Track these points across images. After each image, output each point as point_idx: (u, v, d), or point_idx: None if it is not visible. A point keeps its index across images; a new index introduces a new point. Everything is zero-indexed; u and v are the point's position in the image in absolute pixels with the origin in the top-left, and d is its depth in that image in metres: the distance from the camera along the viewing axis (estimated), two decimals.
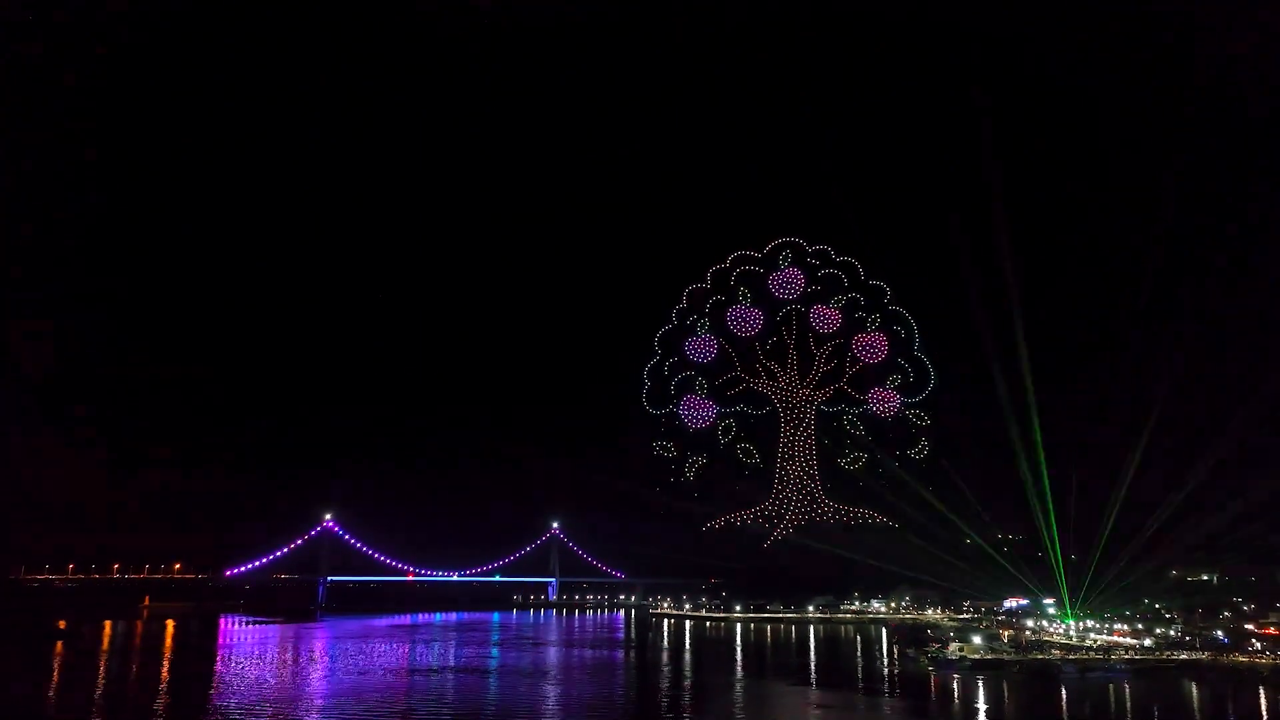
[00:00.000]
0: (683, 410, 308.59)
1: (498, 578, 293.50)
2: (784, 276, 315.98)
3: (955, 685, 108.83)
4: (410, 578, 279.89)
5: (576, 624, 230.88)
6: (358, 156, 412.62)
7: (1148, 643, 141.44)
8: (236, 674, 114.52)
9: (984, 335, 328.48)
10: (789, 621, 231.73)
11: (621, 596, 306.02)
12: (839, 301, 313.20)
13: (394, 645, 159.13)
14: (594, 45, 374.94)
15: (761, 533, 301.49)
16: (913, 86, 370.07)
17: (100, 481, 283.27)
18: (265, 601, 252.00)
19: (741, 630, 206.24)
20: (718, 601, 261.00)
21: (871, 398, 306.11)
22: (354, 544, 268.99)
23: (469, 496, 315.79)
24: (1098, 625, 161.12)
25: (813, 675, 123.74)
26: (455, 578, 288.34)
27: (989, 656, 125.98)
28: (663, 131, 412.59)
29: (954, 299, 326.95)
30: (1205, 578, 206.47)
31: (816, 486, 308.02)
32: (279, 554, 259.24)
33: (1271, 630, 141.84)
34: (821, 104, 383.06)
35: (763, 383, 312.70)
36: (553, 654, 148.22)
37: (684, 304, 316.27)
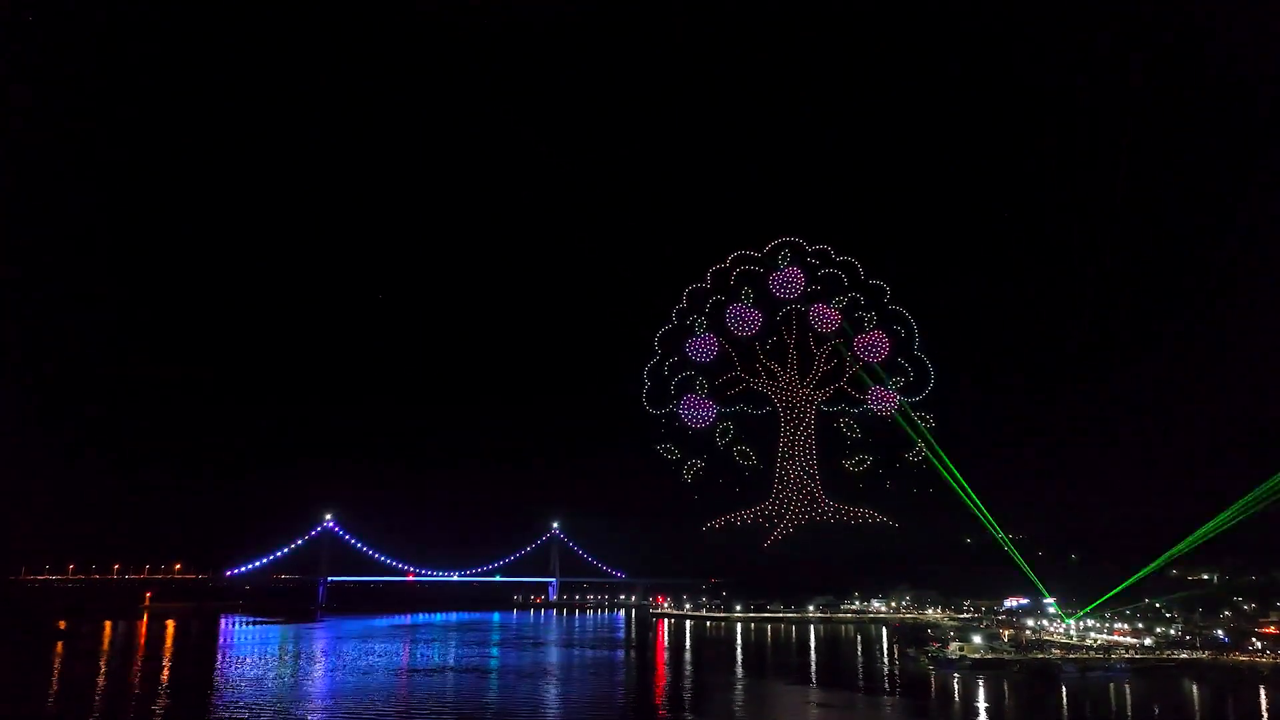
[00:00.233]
0: (683, 410, 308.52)
1: (498, 578, 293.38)
2: (784, 276, 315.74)
3: (955, 685, 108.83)
4: (410, 578, 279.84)
5: (576, 624, 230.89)
6: (358, 156, 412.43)
7: (1148, 642, 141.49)
8: (237, 674, 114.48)
9: (984, 335, 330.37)
10: (789, 621, 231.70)
11: (621, 596, 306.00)
12: (839, 301, 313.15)
13: (394, 645, 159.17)
14: (594, 45, 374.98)
15: (761, 533, 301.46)
16: (913, 86, 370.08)
17: (101, 481, 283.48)
18: (265, 601, 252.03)
19: (742, 630, 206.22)
20: (718, 601, 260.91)
21: (871, 397, 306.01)
22: (354, 544, 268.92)
23: (469, 496, 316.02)
24: (1098, 625, 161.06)
25: (813, 675, 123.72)
26: (455, 578, 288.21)
27: (989, 656, 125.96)
28: (663, 131, 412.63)
29: (954, 299, 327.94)
30: (1205, 577, 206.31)
31: (817, 486, 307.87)
32: (279, 554, 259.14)
33: (1272, 629, 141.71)
34: (821, 104, 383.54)
35: (763, 382, 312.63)
36: (553, 654, 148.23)
37: (684, 304, 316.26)
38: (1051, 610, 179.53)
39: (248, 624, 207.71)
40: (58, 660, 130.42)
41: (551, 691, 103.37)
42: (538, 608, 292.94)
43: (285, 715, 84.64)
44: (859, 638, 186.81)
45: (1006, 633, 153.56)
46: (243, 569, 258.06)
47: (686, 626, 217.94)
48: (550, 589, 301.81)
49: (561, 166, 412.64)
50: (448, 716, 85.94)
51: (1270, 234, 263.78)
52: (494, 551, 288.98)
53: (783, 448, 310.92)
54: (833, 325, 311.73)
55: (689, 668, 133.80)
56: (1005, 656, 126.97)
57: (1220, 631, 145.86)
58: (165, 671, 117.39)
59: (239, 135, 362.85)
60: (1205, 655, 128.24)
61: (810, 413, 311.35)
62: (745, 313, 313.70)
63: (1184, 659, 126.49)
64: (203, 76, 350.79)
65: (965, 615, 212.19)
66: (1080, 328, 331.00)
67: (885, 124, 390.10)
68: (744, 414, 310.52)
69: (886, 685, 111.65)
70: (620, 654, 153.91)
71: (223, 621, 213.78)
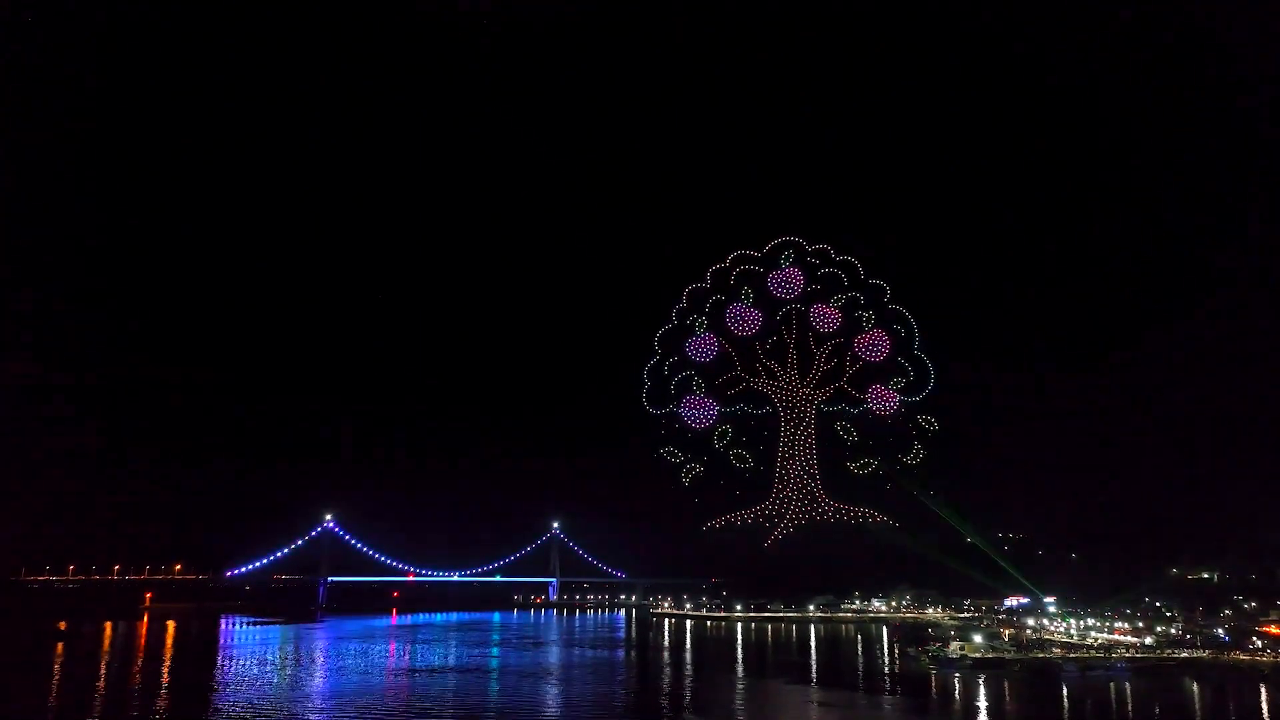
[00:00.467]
0: (683, 410, 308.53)
1: (498, 578, 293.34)
2: (783, 276, 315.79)
3: (956, 684, 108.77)
4: (410, 578, 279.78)
5: (577, 624, 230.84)
6: (358, 156, 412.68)
7: (1148, 641, 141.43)
8: (237, 674, 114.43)
9: (985, 334, 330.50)
10: (790, 621, 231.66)
11: (622, 596, 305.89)
12: (838, 300, 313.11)
13: (394, 645, 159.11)
14: (594, 45, 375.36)
15: (762, 532, 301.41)
16: (913, 86, 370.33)
17: (101, 482, 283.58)
18: (265, 602, 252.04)
19: (742, 630, 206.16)
20: (718, 601, 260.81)
21: (871, 397, 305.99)
22: (354, 544, 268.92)
23: (469, 496, 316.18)
24: (1098, 624, 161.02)
25: (814, 674, 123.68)
26: (455, 578, 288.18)
27: (990, 655, 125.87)
28: (663, 131, 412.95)
29: (954, 298, 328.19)
30: (1206, 575, 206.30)
31: (817, 486, 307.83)
32: (279, 554, 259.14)
33: (1272, 628, 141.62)
34: (821, 104, 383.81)
35: (763, 382, 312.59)
36: (553, 654, 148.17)
37: (684, 304, 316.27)
38: (1052, 609, 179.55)
39: (248, 624, 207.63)
40: (58, 660, 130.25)
41: (552, 691, 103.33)
42: (538, 608, 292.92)
43: (285, 715, 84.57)
44: (859, 637, 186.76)
45: (1007, 632, 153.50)
46: (243, 569, 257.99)
47: (687, 626, 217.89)
48: (550, 589, 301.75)
49: (561, 166, 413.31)
50: (448, 716, 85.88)
51: (1270, 231, 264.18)
52: (494, 551, 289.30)
53: (783, 447, 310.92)
54: (833, 325, 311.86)
55: (689, 667, 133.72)
56: (1006, 656, 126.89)
57: (1221, 630, 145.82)
58: (165, 672, 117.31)
59: (239, 135, 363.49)
60: (1206, 654, 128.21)
61: (810, 413, 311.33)
62: (745, 312, 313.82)
63: (1184, 658, 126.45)
64: (203, 76, 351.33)
65: (965, 614, 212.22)
66: (1081, 326, 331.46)
67: (885, 124, 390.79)
68: (743, 415, 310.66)
69: (887, 684, 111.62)
70: (620, 654, 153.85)
71: (223, 622, 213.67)
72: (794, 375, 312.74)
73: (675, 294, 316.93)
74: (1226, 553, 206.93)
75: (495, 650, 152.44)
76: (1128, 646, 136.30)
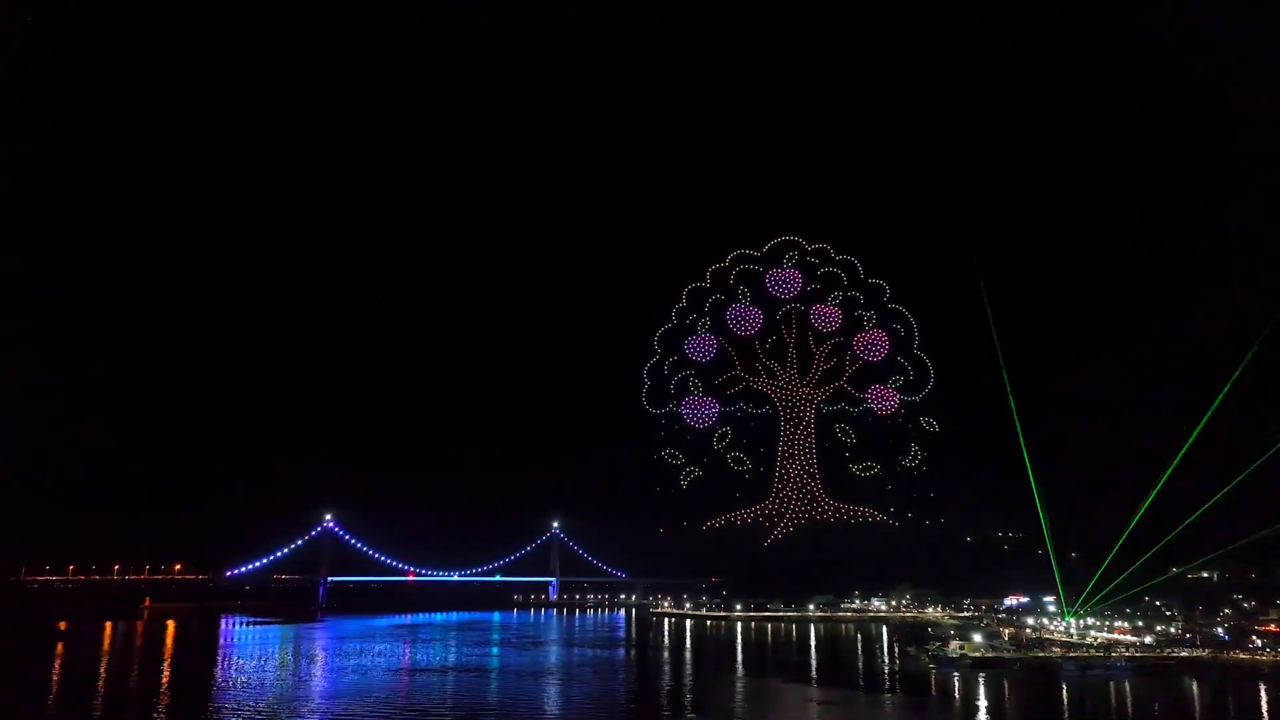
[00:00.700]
0: (683, 409, 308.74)
1: (498, 578, 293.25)
2: (782, 275, 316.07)
3: (956, 683, 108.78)
4: (410, 578, 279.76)
5: (577, 623, 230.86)
6: (358, 156, 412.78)
7: (1148, 640, 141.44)
8: (237, 674, 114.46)
9: (985, 334, 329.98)
10: (789, 620, 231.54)
11: (622, 596, 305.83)
12: (836, 299, 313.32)
13: (394, 645, 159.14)
14: (594, 45, 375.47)
15: (761, 532, 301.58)
16: (912, 86, 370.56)
17: (101, 481, 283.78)
18: (265, 602, 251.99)
19: (742, 629, 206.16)
20: (718, 601, 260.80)
21: (871, 397, 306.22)
22: (354, 544, 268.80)
23: (469, 496, 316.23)
24: (1098, 623, 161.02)
25: (813, 673, 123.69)
26: (455, 578, 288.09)
27: (989, 654, 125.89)
28: (662, 131, 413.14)
29: (953, 297, 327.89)
30: (1205, 575, 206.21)
31: (816, 485, 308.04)
32: (279, 554, 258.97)
33: (1272, 627, 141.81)
34: (821, 104, 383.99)
35: (762, 381, 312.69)
36: (553, 654, 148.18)
37: (684, 303, 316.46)
38: (1052, 608, 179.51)
39: (248, 624, 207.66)
40: (58, 660, 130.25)
41: (552, 691, 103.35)
42: (538, 607, 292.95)
43: (285, 715, 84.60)
44: (859, 636, 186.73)
45: (1006, 631, 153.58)
46: (243, 569, 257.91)
47: (687, 626, 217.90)
48: (550, 589, 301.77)
49: (561, 166, 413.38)
50: (448, 716, 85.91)
51: (1270, 231, 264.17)
52: (494, 551, 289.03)
53: (783, 447, 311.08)
54: (833, 324, 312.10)
55: (689, 667, 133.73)
56: (1005, 655, 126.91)
57: (1220, 629, 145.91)
58: (165, 672, 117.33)
59: (240, 135, 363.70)
60: (1205, 653, 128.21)
61: (810, 412, 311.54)
62: (745, 312, 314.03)
63: (1184, 657, 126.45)
64: (203, 76, 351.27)
65: (965, 614, 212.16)
66: (1081, 323, 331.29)
67: (885, 124, 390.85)
68: (742, 416, 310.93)
69: (887, 684, 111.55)
70: (620, 653, 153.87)
71: (223, 622, 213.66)
72: (794, 375, 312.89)
73: (675, 294, 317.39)
74: (1226, 553, 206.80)
75: (495, 650, 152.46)
76: (1127, 645, 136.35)
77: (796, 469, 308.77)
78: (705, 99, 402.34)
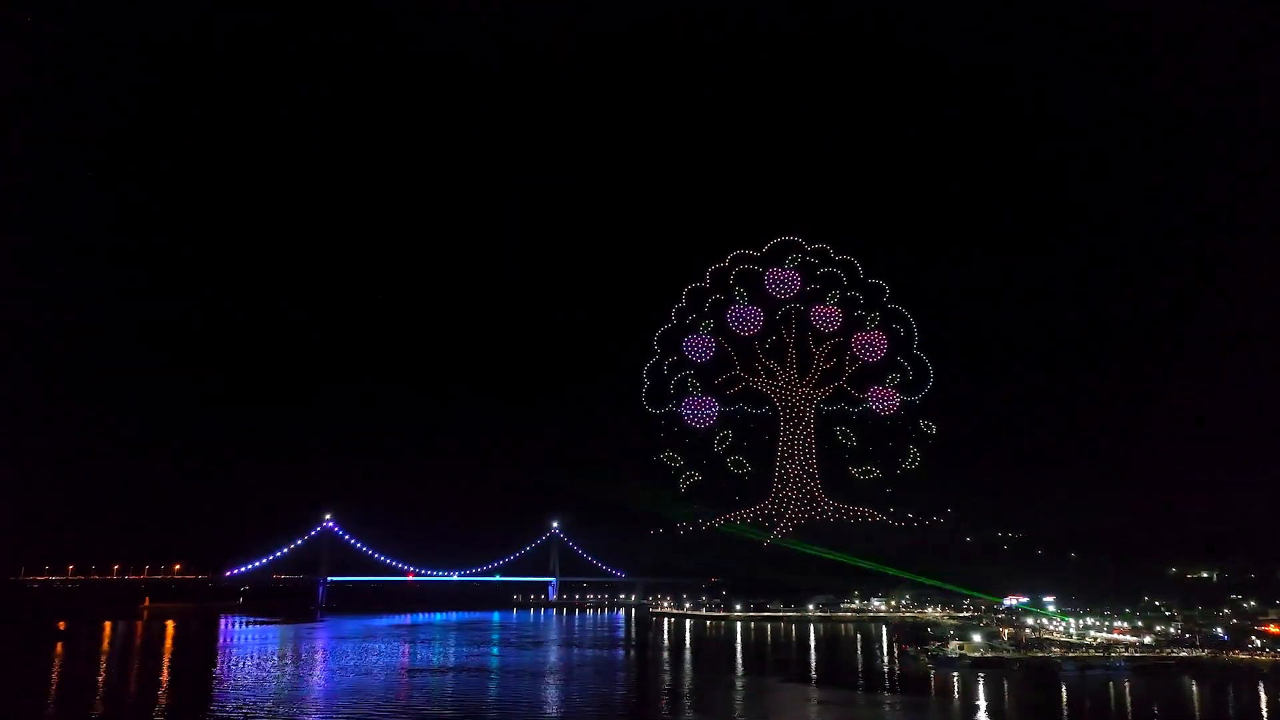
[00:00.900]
0: (684, 409, 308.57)
1: (498, 577, 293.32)
2: (781, 275, 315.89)
3: (955, 683, 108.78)
4: (410, 578, 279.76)
5: (576, 623, 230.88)
6: (357, 156, 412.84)
7: (1148, 640, 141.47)
8: (237, 674, 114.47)
9: (985, 333, 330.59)
10: (789, 620, 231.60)
11: (621, 596, 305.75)
12: (834, 298, 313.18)
13: (394, 645, 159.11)
14: (594, 45, 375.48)
15: (761, 532, 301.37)
16: (912, 86, 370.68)
17: (101, 481, 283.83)
18: (265, 601, 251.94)
19: (742, 629, 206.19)
20: (718, 601, 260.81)
21: (871, 397, 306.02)
22: (354, 544, 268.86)
23: (469, 496, 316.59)
24: (1097, 623, 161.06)
25: (813, 673, 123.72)
26: (455, 578, 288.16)
27: (989, 654, 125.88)
28: (663, 131, 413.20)
29: (953, 297, 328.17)
30: (1205, 575, 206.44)
31: (816, 485, 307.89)
32: (279, 554, 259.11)
33: (1271, 628, 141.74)
34: (821, 104, 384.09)
35: (762, 381, 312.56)
36: (553, 654, 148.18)
37: (683, 303, 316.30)
38: (1051, 608, 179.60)
39: (248, 624, 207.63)
40: (58, 660, 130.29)
41: (552, 691, 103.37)
42: (537, 607, 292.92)
43: (285, 715, 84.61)
44: (859, 636, 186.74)
45: (1006, 631, 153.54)
46: (243, 569, 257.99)
47: (686, 626, 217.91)
48: (550, 588, 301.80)
49: (562, 166, 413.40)
50: (448, 716, 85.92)
51: (1270, 230, 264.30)
52: (494, 551, 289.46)
53: (782, 447, 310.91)
54: (833, 325, 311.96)
55: (689, 667, 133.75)
56: (1005, 655, 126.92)
57: (1220, 629, 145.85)
58: (165, 672, 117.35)
59: (240, 135, 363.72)
60: (1205, 653, 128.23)
61: (810, 412, 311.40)
62: (745, 312, 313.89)
63: (1184, 657, 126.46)
64: (203, 76, 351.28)
65: (965, 614, 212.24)
66: (1081, 325, 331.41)
67: (885, 124, 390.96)
68: (742, 418, 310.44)
69: (886, 684, 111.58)
70: (620, 653, 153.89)
71: (222, 622, 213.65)
72: (793, 375, 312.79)
73: (675, 294, 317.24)
74: (1226, 553, 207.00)
75: (495, 650, 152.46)
76: (1127, 646, 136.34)
77: (796, 469, 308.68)
78: (705, 99, 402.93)
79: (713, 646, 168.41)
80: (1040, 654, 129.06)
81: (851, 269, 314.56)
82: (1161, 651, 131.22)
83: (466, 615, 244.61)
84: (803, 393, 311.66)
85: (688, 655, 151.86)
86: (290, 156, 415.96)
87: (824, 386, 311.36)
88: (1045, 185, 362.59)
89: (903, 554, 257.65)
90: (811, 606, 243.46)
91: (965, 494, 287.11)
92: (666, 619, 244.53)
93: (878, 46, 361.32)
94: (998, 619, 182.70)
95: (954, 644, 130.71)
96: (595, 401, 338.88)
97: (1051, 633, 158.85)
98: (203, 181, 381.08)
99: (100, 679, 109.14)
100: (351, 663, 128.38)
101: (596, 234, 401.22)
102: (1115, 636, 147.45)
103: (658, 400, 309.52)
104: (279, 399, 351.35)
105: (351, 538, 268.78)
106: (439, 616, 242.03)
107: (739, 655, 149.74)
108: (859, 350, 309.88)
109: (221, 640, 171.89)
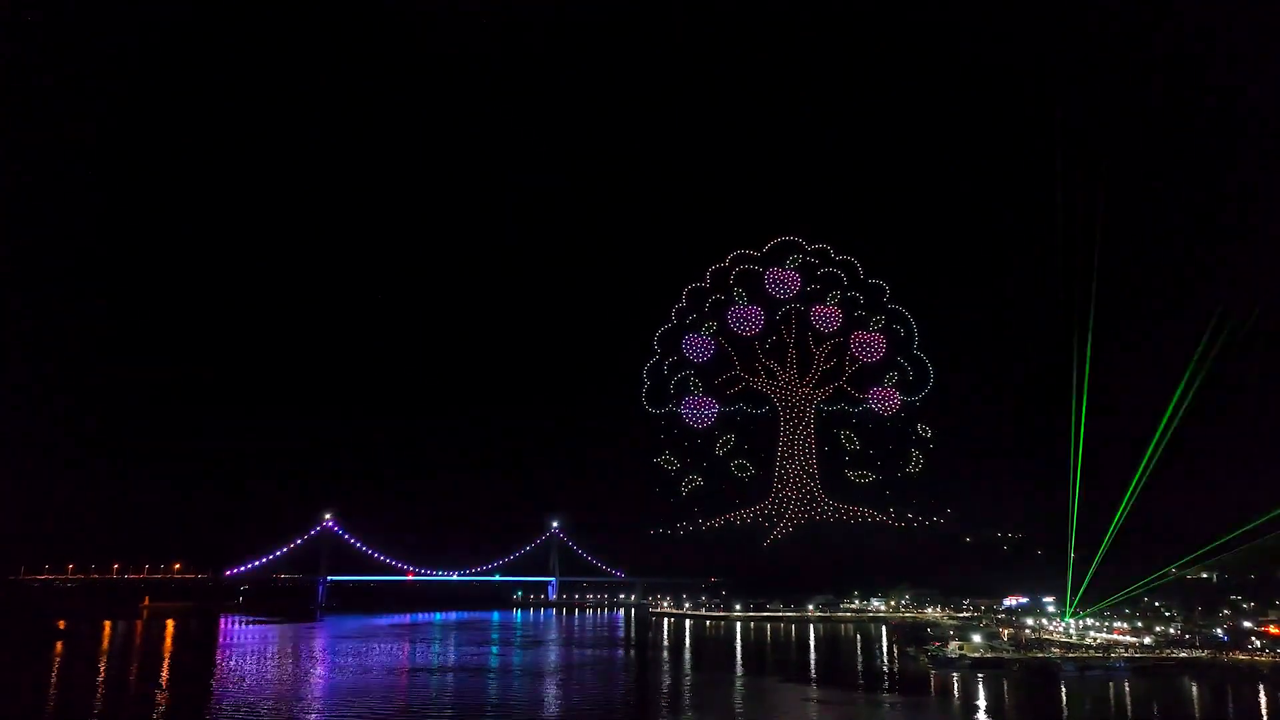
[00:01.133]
0: (684, 409, 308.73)
1: (498, 577, 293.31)
2: (781, 275, 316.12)
3: (955, 683, 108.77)
4: (410, 577, 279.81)
5: (576, 623, 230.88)
6: (357, 157, 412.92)
7: (1147, 641, 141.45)
8: (237, 674, 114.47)
9: (984, 332, 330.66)
10: (789, 620, 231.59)
11: (621, 596, 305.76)
12: (834, 298, 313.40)
13: (394, 645, 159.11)
14: (594, 45, 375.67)
15: (761, 532, 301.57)
16: (912, 86, 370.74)
17: (100, 481, 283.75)
18: (265, 601, 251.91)
19: (741, 629, 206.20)
20: (717, 601, 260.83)
21: (872, 398, 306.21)
22: (354, 544, 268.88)
23: (469, 496, 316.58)
24: (1097, 623, 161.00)
25: (813, 673, 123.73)
26: (455, 577, 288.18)
27: (989, 655, 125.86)
28: (663, 131, 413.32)
29: (953, 297, 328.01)
30: (1205, 576, 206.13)
31: (816, 486, 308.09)
32: (279, 554, 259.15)
33: (1271, 628, 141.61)
34: (821, 104, 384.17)
35: (762, 382, 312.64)
36: (553, 654, 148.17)
37: (684, 303, 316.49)
38: (1051, 609, 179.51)
39: (247, 623, 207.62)
40: (58, 660, 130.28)
41: (551, 691, 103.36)
42: (537, 607, 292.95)
43: (285, 715, 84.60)
44: (858, 637, 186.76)
45: (1006, 632, 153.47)
46: (243, 569, 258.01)
47: (686, 626, 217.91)
48: (550, 588, 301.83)
49: (562, 166, 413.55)
50: (447, 716, 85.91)
51: (1270, 230, 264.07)
52: (494, 551, 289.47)
53: (782, 447, 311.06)
54: (833, 325, 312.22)
55: (688, 667, 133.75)
56: (1005, 655, 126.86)
57: (1220, 630, 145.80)
58: (165, 671, 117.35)
59: (240, 135, 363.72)
60: (1205, 654, 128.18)
61: (810, 412, 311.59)
62: (745, 312, 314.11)
63: (1183, 658, 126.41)
64: (203, 76, 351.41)
65: (965, 614, 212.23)
66: (1081, 324, 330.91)
67: (886, 124, 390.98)
68: (742, 418, 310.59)
69: (886, 684, 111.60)
70: (620, 653, 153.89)
71: (222, 621, 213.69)
72: (793, 375, 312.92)
73: (675, 294, 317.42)
74: (1226, 553, 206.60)
75: (495, 650, 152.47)
76: (1126, 646, 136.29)
77: (796, 469, 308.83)
78: (705, 99, 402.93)
79: (712, 646, 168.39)
80: (1040, 654, 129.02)
81: (851, 269, 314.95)
82: (1161, 652, 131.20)
83: (466, 615, 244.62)
84: (803, 393, 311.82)
85: (687, 655, 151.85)
86: (290, 156, 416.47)
87: (824, 387, 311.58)
88: (1045, 185, 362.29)
89: (902, 554, 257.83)
90: (811, 606, 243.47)
91: (965, 494, 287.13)
92: (666, 619, 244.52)
93: (878, 46, 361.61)
94: (997, 619, 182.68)
95: (954, 644, 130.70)
96: (595, 402, 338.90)
97: (1051, 633, 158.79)
98: (203, 181, 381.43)
99: (100, 679, 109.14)
100: (351, 662, 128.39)
101: (596, 234, 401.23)
102: (1115, 637, 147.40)
103: (658, 400, 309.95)
104: (279, 399, 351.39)
105: (351, 537, 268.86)
106: (439, 616, 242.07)
107: (739, 655, 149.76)
108: (859, 350, 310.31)
109: (221, 640, 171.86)
